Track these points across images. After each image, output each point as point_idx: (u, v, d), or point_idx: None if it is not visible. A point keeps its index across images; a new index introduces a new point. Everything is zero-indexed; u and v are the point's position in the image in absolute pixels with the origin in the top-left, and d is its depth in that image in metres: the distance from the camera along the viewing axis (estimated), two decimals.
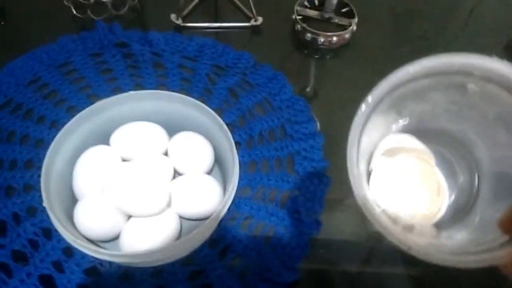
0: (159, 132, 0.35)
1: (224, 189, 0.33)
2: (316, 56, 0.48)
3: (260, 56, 0.46)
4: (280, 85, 0.43)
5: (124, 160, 0.34)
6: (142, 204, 0.29)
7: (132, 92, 0.34)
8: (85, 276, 0.31)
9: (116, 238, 0.31)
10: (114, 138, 0.35)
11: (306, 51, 0.49)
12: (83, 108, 0.39)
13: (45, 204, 0.28)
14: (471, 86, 0.25)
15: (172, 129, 0.36)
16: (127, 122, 0.35)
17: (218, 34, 0.49)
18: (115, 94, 0.40)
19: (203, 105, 0.34)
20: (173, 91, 0.41)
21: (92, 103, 0.39)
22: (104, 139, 0.35)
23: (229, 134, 0.32)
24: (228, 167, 0.33)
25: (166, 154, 0.35)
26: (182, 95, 0.34)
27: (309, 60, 0.48)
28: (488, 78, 0.24)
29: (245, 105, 0.42)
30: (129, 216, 0.31)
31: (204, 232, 0.29)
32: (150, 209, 0.30)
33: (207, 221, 0.28)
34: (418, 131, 0.31)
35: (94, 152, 0.33)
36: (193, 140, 0.35)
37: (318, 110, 0.42)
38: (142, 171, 0.31)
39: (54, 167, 0.31)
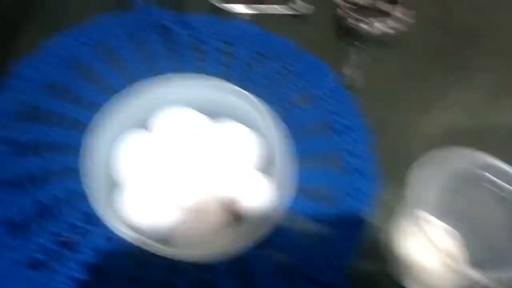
0: (201, 119, 0.34)
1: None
2: (361, 45, 0.46)
3: (301, 43, 0.44)
4: (323, 75, 0.42)
5: (164, 146, 0.33)
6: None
7: (174, 75, 0.33)
8: (131, 266, 0.30)
9: (160, 230, 0.30)
10: (153, 122, 0.34)
11: (349, 39, 0.46)
12: (121, 90, 0.39)
13: (89, 192, 0.27)
14: None
15: (214, 118, 0.35)
16: (167, 106, 0.34)
17: (257, 18, 0.47)
18: (153, 77, 0.40)
19: (255, 100, 0.32)
20: (212, 75, 0.40)
21: (130, 85, 0.39)
22: (141, 122, 0.34)
23: (280, 132, 0.31)
24: (274, 162, 0.32)
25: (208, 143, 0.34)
26: (234, 86, 0.33)
27: (353, 49, 0.46)
28: None
29: (286, 94, 0.40)
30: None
31: (257, 231, 0.28)
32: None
33: (261, 219, 0.27)
34: None
35: (134, 137, 0.32)
36: (239, 131, 0.34)
37: (362, 102, 0.40)
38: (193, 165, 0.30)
39: (94, 150, 0.30)
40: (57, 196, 0.33)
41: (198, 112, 0.34)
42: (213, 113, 0.35)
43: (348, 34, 0.46)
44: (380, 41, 0.46)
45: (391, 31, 0.46)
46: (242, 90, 0.33)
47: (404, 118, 0.40)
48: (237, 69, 0.42)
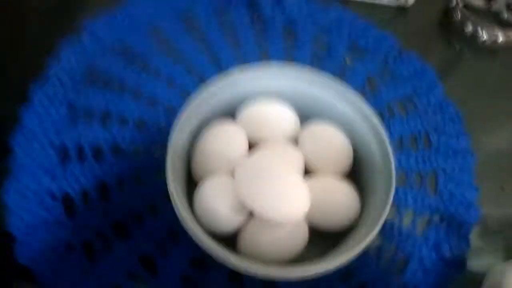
0: (291, 116, 0.30)
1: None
2: (473, 54, 0.40)
3: (404, 42, 0.39)
4: (429, 83, 0.36)
5: (250, 141, 0.29)
6: (276, 207, 0.24)
7: (274, 64, 0.29)
8: (189, 267, 0.27)
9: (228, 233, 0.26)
10: (241, 114, 0.30)
11: (460, 46, 0.41)
12: (203, 70, 0.35)
13: (172, 190, 0.23)
14: None
15: (304, 116, 0.30)
16: (257, 98, 0.30)
17: (357, 6, 0.42)
18: (238, 61, 0.36)
19: (361, 99, 0.28)
20: (302, 65, 0.36)
21: (214, 66, 0.35)
22: (228, 113, 0.30)
23: (387, 143, 0.26)
24: (367, 174, 0.28)
25: (294, 143, 0.30)
26: (337, 81, 0.28)
27: (464, 58, 0.40)
28: None
29: (384, 99, 0.35)
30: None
31: (346, 253, 0.24)
32: (286, 216, 0.25)
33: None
34: None
35: (221, 129, 0.28)
36: (331, 134, 0.29)
37: (470, 121, 0.35)
38: (277, 162, 0.26)
39: (179, 142, 0.26)
40: (122, 178, 0.29)
41: (289, 107, 0.30)
42: (305, 111, 0.30)
43: (462, 41, 0.40)
44: (497, 54, 0.40)
45: (509, 44, 0.40)
46: (356, 95, 0.28)
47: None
48: (331, 63, 0.37)
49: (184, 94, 0.32)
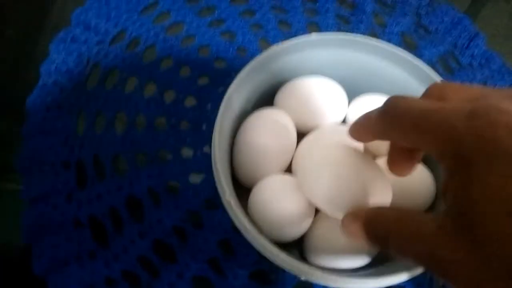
0: (338, 92, 0.26)
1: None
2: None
3: None
4: (469, 35, 0.33)
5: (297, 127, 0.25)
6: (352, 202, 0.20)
7: (312, 37, 0.24)
8: (251, 281, 0.23)
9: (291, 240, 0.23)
10: (281, 98, 0.25)
11: None
12: (219, 51, 0.30)
13: (227, 198, 0.19)
14: None
15: (353, 89, 0.26)
16: (296, 77, 0.26)
17: None
18: (256, 33, 0.31)
19: (421, 62, 0.24)
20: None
21: (229, 43, 0.30)
22: (267, 98, 0.26)
23: None
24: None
25: (344, 122, 0.26)
26: (385, 43, 0.24)
27: (501, 3, 0.36)
28: None
29: (425, 59, 0.31)
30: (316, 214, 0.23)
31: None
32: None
33: None
34: None
35: (261, 118, 0.24)
36: None
37: None
38: (342, 150, 0.22)
39: (220, 138, 0.22)
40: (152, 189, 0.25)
41: (335, 83, 0.26)
42: (354, 84, 0.26)
43: None
44: None
45: None
46: (413, 57, 0.24)
47: None
48: (359, 24, 0.33)
49: (201, 80, 0.28)
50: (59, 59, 0.28)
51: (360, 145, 0.23)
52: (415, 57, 0.24)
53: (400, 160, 0.19)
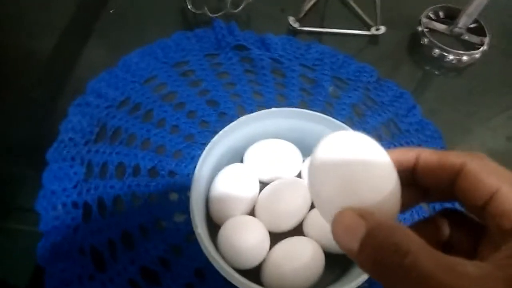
0: (294, 152, 0.33)
1: None
2: (441, 74, 0.45)
3: (378, 67, 0.43)
4: (408, 106, 0.40)
5: (260, 181, 0.32)
6: None
7: (274, 109, 0.32)
8: None
9: (252, 267, 0.29)
10: (248, 155, 0.32)
11: (429, 68, 0.45)
12: (204, 115, 0.38)
13: (199, 231, 0.26)
14: None
15: (307, 150, 0.33)
16: (261, 139, 0.33)
17: (332, 40, 0.46)
18: (235, 101, 0.39)
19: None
20: (293, 102, 0.39)
21: (213, 109, 0.38)
22: (237, 155, 0.33)
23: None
24: None
25: (299, 176, 0.33)
26: (330, 118, 0.31)
27: (433, 78, 0.45)
28: None
29: (370, 125, 0.39)
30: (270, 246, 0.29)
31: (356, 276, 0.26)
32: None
33: None
34: None
35: (232, 171, 0.31)
36: None
37: (448, 136, 0.39)
38: (287, 196, 0.29)
39: (197, 186, 0.28)
40: (143, 225, 0.32)
41: (291, 144, 0.33)
42: (306, 145, 0.33)
43: (430, 63, 0.45)
44: (462, 72, 0.45)
45: (474, 62, 0.44)
46: (343, 125, 0.31)
47: None
48: (318, 96, 0.40)
49: (188, 138, 0.36)
50: (75, 120, 0.36)
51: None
52: (344, 125, 0.31)
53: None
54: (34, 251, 0.30)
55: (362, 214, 0.15)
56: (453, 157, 0.17)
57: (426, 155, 0.18)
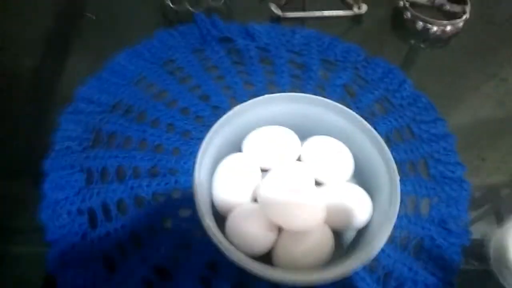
0: (291, 137, 0.33)
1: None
2: (427, 47, 0.45)
3: (364, 45, 0.43)
4: (399, 80, 0.41)
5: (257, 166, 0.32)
6: (298, 217, 0.27)
7: (268, 96, 0.32)
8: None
9: (262, 253, 0.29)
10: (247, 144, 0.32)
11: (415, 41, 0.45)
12: (198, 110, 0.38)
13: (207, 223, 0.26)
14: None
15: (303, 133, 0.34)
16: (258, 127, 0.33)
17: (316, 24, 0.46)
18: (227, 94, 0.39)
19: (347, 109, 0.31)
20: (284, 88, 0.39)
21: (206, 103, 0.38)
22: (235, 146, 0.33)
23: (384, 144, 0.30)
24: (370, 175, 0.31)
25: (299, 160, 0.33)
26: (325, 99, 0.32)
27: (420, 51, 0.45)
28: None
29: (364, 103, 0.39)
30: (279, 231, 0.29)
31: (366, 252, 0.27)
32: (307, 222, 0.28)
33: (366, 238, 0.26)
34: None
35: (232, 161, 0.31)
36: (329, 144, 0.33)
37: (440, 107, 0.39)
38: (291, 180, 0.29)
39: (200, 179, 0.28)
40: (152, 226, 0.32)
41: (288, 130, 0.33)
42: (304, 129, 0.33)
43: (415, 37, 0.45)
44: (447, 42, 0.45)
45: (458, 32, 0.45)
46: (343, 107, 0.32)
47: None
48: (309, 80, 0.40)
49: (184, 134, 0.36)
50: (70, 128, 0.35)
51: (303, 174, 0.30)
52: (344, 107, 0.31)
53: None
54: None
55: None
56: None
57: None
